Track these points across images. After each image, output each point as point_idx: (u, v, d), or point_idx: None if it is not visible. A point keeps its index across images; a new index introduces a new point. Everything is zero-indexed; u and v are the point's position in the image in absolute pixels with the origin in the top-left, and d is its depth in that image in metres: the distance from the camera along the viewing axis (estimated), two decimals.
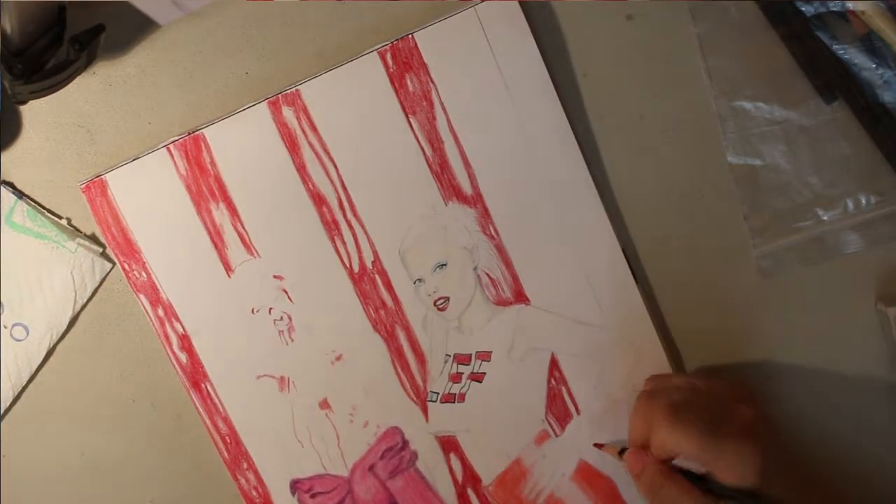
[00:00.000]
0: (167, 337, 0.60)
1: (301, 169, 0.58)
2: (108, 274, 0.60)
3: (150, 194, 0.58)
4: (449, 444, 0.61)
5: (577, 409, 0.60)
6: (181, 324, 0.60)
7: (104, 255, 0.60)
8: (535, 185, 0.59)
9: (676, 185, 0.60)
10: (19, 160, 0.60)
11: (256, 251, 0.59)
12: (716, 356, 0.61)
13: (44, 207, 0.60)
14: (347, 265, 0.59)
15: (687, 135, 0.60)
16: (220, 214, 0.59)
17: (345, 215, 0.59)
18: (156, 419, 0.62)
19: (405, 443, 0.61)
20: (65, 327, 0.60)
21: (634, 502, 0.61)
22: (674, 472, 0.53)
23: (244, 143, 0.58)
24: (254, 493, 0.61)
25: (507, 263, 0.59)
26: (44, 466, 0.62)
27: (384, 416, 0.61)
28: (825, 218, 0.60)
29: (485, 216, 0.59)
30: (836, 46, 0.58)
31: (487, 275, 0.59)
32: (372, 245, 0.59)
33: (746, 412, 0.53)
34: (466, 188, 0.59)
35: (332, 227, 0.59)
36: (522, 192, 0.59)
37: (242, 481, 0.61)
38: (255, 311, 0.60)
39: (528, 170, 0.58)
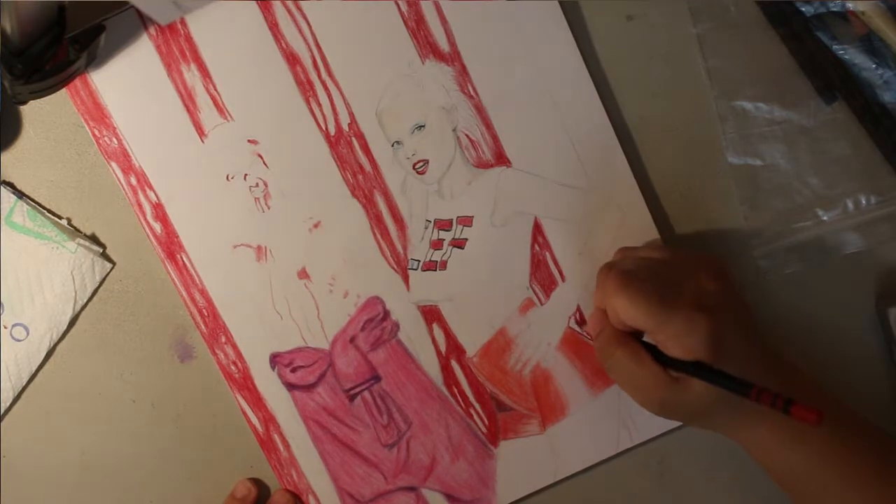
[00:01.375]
0: (140, 206, 0.59)
1: (273, 27, 0.57)
2: (108, 274, 0.60)
3: (119, 56, 0.57)
4: (431, 314, 0.60)
5: (562, 276, 0.60)
6: (154, 192, 0.59)
7: (104, 255, 0.60)
8: (514, 42, 0.58)
9: (676, 185, 0.60)
10: (19, 160, 0.60)
11: (230, 114, 0.58)
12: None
13: (44, 207, 0.60)
14: (323, 128, 0.58)
15: (687, 135, 0.60)
16: (192, 76, 0.58)
17: (319, 75, 0.58)
18: (156, 419, 0.62)
19: (386, 313, 0.60)
20: (65, 327, 0.60)
21: None
22: (629, 338, 0.52)
23: (215, 2, 0.57)
24: (233, 368, 0.60)
25: (487, 124, 0.59)
26: (44, 466, 0.62)
27: (364, 286, 0.60)
28: (825, 218, 0.60)
29: (463, 74, 0.58)
30: (836, 47, 0.58)
31: (467, 136, 0.59)
32: (348, 106, 0.58)
33: (707, 285, 0.52)
34: (443, 45, 0.58)
35: (306, 88, 0.58)
36: (501, 50, 0.58)
37: (221, 356, 0.60)
38: (229, 177, 0.59)
39: (507, 26, 0.58)
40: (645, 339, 0.53)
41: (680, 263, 0.54)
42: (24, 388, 0.61)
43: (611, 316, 0.53)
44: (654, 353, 0.52)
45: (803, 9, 0.58)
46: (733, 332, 0.50)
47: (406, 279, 0.60)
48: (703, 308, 0.50)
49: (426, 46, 0.58)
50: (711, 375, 0.49)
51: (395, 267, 0.60)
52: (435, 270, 0.60)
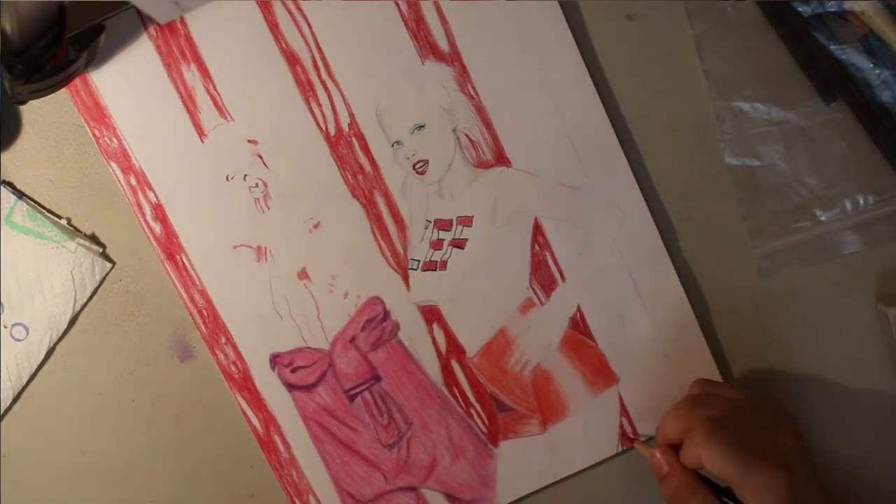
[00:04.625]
0: (140, 206, 0.59)
1: (273, 27, 0.58)
2: (108, 274, 0.60)
3: (119, 56, 0.57)
4: (431, 315, 0.60)
5: (562, 276, 0.60)
6: (154, 192, 0.59)
7: (104, 255, 0.60)
8: (514, 42, 0.58)
9: (676, 186, 0.60)
10: (19, 160, 0.60)
11: (230, 114, 0.58)
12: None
13: (44, 207, 0.60)
14: (323, 128, 0.59)
15: (685, 135, 0.60)
16: (192, 76, 0.58)
17: (319, 75, 0.58)
18: (156, 419, 0.61)
19: (386, 313, 0.60)
20: (65, 327, 0.60)
21: (622, 371, 0.60)
22: (700, 484, 0.53)
23: (215, 2, 0.57)
24: (233, 368, 0.60)
25: (487, 124, 0.59)
26: (44, 466, 0.62)
27: (364, 286, 0.60)
28: (824, 218, 0.60)
29: (463, 74, 0.58)
30: (835, 47, 0.58)
31: (467, 136, 0.59)
32: (348, 106, 0.58)
33: (787, 442, 0.53)
34: (443, 45, 0.58)
35: (306, 88, 0.58)
36: (501, 50, 0.58)
37: (221, 356, 0.60)
38: (229, 178, 0.59)
39: (507, 26, 0.58)
40: (702, 472, 0.54)
41: (759, 412, 0.55)
42: (24, 388, 0.61)
43: (688, 457, 0.53)
44: (719, 493, 0.53)
45: (801, 9, 0.58)
46: (807, 492, 0.52)
47: (406, 279, 0.60)
48: (784, 465, 0.51)
49: (426, 46, 0.58)
50: None
51: (396, 267, 0.60)
52: (435, 270, 0.60)
